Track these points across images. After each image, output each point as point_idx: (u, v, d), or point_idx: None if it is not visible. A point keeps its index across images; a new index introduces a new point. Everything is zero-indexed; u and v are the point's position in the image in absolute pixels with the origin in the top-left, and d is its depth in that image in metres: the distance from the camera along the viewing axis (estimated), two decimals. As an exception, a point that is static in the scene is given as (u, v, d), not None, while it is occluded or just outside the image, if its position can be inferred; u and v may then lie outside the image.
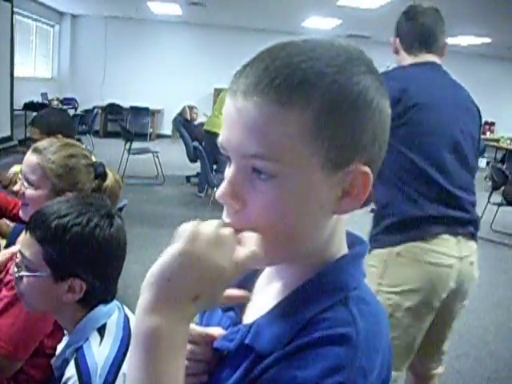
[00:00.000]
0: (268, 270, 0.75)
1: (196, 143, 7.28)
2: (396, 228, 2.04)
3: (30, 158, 1.74)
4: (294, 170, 0.61)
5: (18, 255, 1.34)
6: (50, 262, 1.29)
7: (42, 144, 1.78)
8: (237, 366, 0.67)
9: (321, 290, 0.66)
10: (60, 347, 1.37)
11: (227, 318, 0.76)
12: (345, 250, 0.72)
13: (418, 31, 2.20)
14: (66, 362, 1.30)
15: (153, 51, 13.17)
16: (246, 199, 0.64)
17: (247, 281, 0.77)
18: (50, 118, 2.99)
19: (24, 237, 1.34)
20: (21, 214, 1.77)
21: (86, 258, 1.30)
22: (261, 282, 0.77)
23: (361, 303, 0.66)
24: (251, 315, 0.72)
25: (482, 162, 10.85)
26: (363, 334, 0.62)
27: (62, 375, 1.28)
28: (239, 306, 0.75)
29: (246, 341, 0.67)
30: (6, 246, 2.11)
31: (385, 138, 0.67)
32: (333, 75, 0.61)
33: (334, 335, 0.61)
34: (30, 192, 1.72)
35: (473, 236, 2.09)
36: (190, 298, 0.58)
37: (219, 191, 0.65)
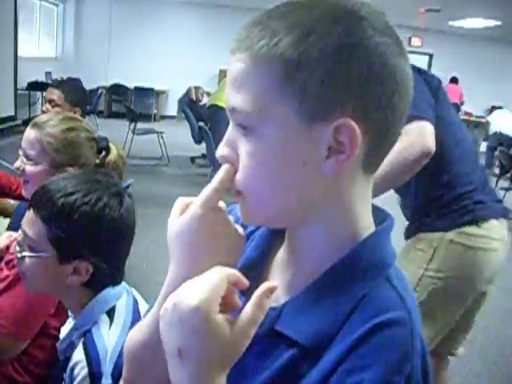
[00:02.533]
0: (286, 248, 0.71)
1: (201, 124, 7.22)
2: (449, 214, 1.99)
3: (29, 132, 1.70)
4: (268, 121, 0.61)
5: (20, 233, 1.27)
6: (55, 243, 1.21)
7: (42, 118, 1.74)
8: (268, 353, 0.64)
9: (358, 270, 0.63)
10: (64, 330, 1.32)
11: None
12: (372, 227, 0.67)
13: None
14: (71, 346, 1.26)
15: (158, 31, 13.03)
16: (237, 157, 0.64)
17: (262, 256, 0.73)
18: (78, 89, 3.16)
19: (27, 214, 1.26)
20: (23, 192, 1.74)
21: (93, 239, 1.23)
22: (279, 260, 0.73)
23: (399, 279, 0.65)
24: (273, 297, 0.67)
25: (483, 147, 10.60)
26: (413, 312, 0.61)
27: (67, 359, 1.24)
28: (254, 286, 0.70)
29: (277, 327, 0.64)
30: (9, 226, 2.07)
31: (388, 92, 0.61)
32: (309, 27, 0.59)
33: (388, 322, 0.58)
34: (29, 168, 1.68)
35: (505, 217, 2.09)
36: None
37: (217, 151, 0.67)
